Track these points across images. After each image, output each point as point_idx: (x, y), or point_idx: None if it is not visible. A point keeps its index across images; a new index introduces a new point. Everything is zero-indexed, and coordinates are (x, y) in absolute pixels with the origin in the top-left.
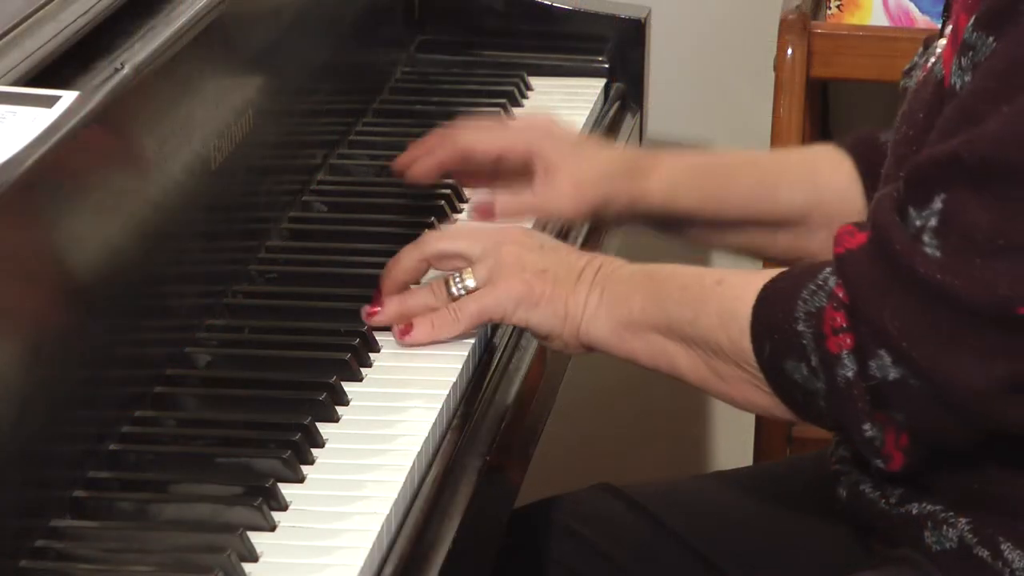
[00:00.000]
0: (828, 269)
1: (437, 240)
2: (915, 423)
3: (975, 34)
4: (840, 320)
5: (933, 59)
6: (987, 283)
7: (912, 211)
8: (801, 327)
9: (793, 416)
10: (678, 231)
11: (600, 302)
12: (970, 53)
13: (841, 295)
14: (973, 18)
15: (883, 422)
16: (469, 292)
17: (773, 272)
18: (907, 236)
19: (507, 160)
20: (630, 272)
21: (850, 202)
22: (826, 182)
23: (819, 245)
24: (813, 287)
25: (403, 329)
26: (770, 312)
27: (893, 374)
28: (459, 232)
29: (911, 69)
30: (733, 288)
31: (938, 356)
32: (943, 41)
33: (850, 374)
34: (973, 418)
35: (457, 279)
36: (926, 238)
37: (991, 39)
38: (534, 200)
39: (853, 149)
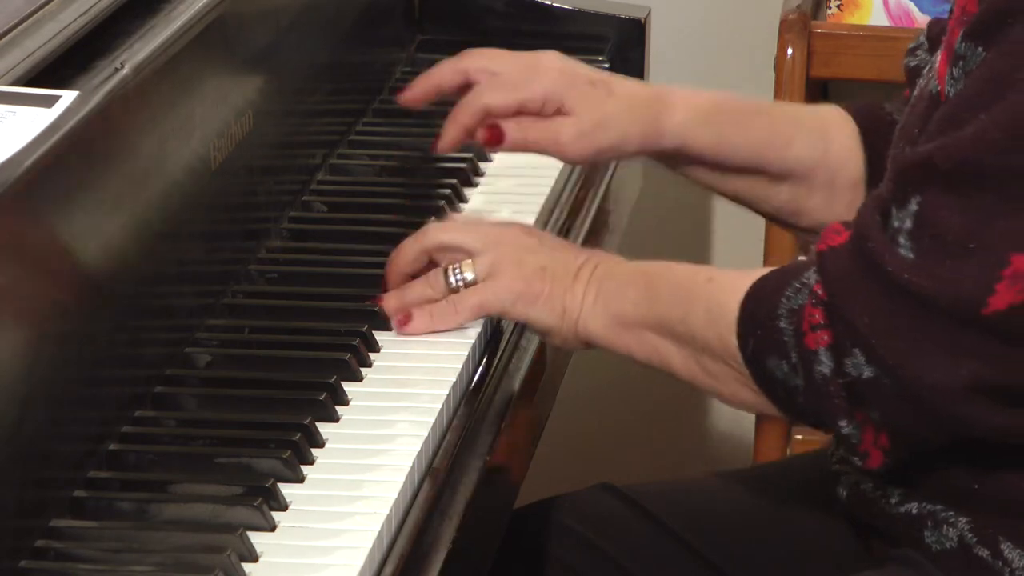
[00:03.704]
0: (813, 268)
1: (438, 232)
2: (889, 422)
3: (965, 44)
4: (818, 316)
5: (930, 75)
6: (955, 284)
7: (894, 211)
8: (783, 324)
9: (779, 413)
10: (682, 168)
11: (596, 298)
12: (961, 63)
13: (820, 292)
14: (963, 30)
15: (861, 420)
16: (467, 284)
17: (764, 271)
18: (884, 236)
19: (526, 109)
20: (625, 269)
21: (852, 165)
22: (834, 143)
23: (815, 204)
24: (797, 284)
25: (401, 319)
26: (755, 309)
27: (867, 372)
28: (460, 225)
29: (915, 49)
30: (723, 285)
31: (906, 354)
32: (939, 57)
33: (827, 371)
34: (941, 418)
35: (456, 270)
36: (902, 239)
37: (980, 49)
38: (542, 139)
39: (857, 114)
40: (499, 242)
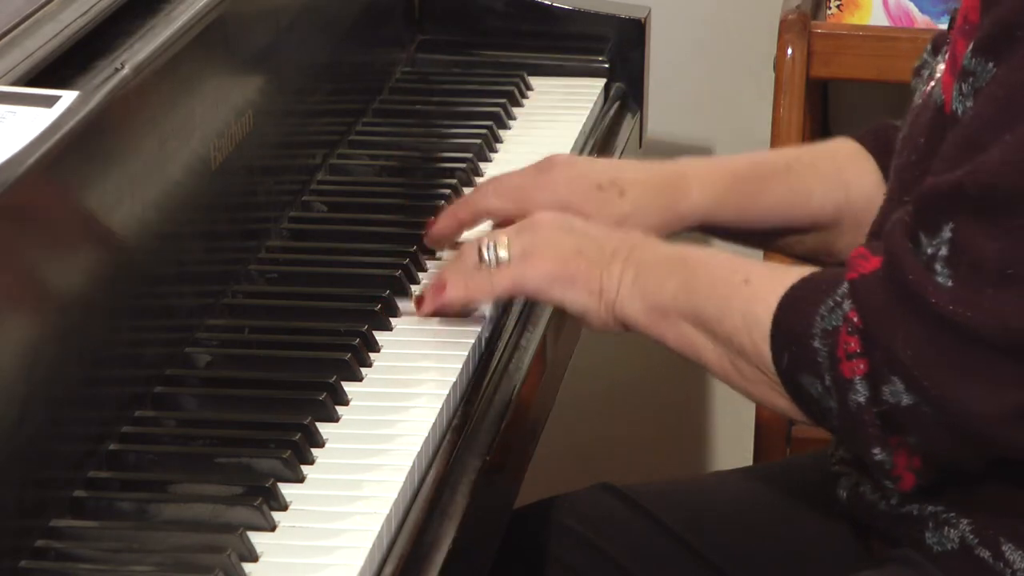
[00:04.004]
0: (845, 287)
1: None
2: (928, 447)
3: (974, 60)
4: (854, 345)
5: (932, 83)
6: (997, 313)
7: (923, 238)
8: (817, 344)
9: (812, 424)
10: (707, 234)
11: (634, 282)
12: (970, 79)
13: (855, 320)
14: (972, 44)
15: (895, 446)
16: (499, 263)
17: (798, 273)
18: (920, 265)
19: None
20: (663, 254)
21: (875, 201)
22: (854, 184)
23: (846, 244)
24: (831, 303)
25: (436, 286)
26: (790, 323)
27: (906, 400)
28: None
29: (920, 68)
30: (758, 290)
31: (949, 384)
32: (942, 66)
33: (862, 399)
34: (984, 444)
35: (490, 246)
36: (938, 267)
37: (991, 64)
38: None
39: (870, 143)
40: (534, 223)
